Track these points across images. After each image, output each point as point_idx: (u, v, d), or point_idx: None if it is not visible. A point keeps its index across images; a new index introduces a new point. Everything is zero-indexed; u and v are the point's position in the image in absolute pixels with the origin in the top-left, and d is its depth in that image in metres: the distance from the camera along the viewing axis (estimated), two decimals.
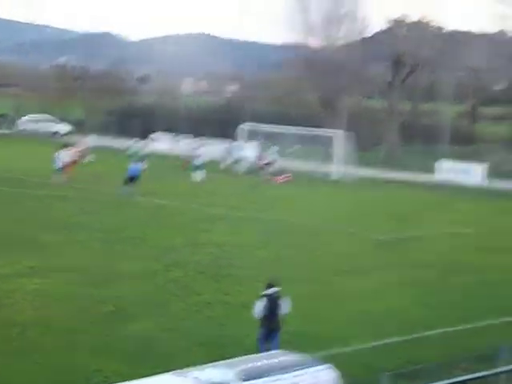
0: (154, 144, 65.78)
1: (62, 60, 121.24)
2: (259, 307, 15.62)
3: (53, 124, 76.26)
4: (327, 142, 54.39)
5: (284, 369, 11.39)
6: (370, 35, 75.86)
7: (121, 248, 26.05)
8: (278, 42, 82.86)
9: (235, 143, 58.45)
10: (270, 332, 15.60)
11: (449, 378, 14.26)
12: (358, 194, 45.35)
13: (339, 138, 53.82)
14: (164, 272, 23.13)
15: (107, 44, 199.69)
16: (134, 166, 38.95)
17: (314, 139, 54.15)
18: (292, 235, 30.30)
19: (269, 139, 56.14)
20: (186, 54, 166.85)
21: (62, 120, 77.55)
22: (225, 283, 22.25)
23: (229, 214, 34.83)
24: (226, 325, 18.29)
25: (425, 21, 72.15)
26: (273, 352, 13.22)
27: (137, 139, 58.04)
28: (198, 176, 46.89)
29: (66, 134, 72.67)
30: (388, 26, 76.63)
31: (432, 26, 76.09)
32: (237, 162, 53.86)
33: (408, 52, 68.43)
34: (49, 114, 79.47)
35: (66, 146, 44.16)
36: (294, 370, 11.42)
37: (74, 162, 45.53)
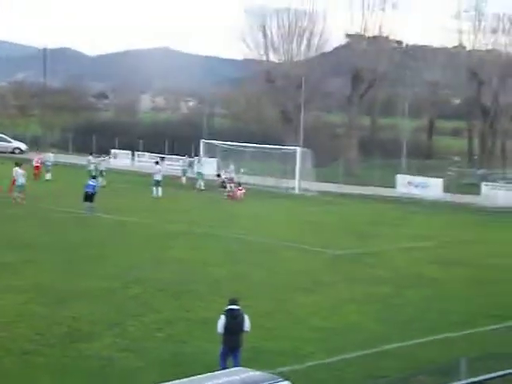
0: (112, 160, 65.67)
1: (19, 76, 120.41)
2: (221, 323, 15.61)
3: (8, 143, 75.44)
4: (286, 157, 54.62)
5: None
6: (329, 50, 76.50)
7: (80, 267, 25.84)
8: (239, 57, 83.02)
9: (194, 159, 58.56)
10: (231, 349, 15.58)
11: None
12: (316, 210, 45.58)
13: (298, 154, 54.08)
14: (123, 290, 23.01)
15: (66, 59, 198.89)
16: (91, 183, 38.68)
17: (273, 155, 54.43)
18: (251, 252, 30.32)
19: (227, 155, 56.32)
20: (145, 69, 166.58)
21: (16, 138, 76.79)
22: (185, 300, 22.20)
23: (189, 230, 34.85)
24: (187, 342, 18.25)
25: (384, 35, 72.81)
26: (233, 369, 13.21)
27: (95, 155, 57.82)
28: (158, 192, 46.81)
29: (22, 152, 72.14)
30: (347, 40, 77.32)
31: (391, 41, 76.91)
32: (196, 178, 53.85)
33: (367, 67, 69.11)
34: (6, 131, 78.67)
35: (18, 164, 43.03)
36: None
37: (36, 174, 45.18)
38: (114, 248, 29.71)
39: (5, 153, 70.83)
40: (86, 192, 37.96)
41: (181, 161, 59.50)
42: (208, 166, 56.60)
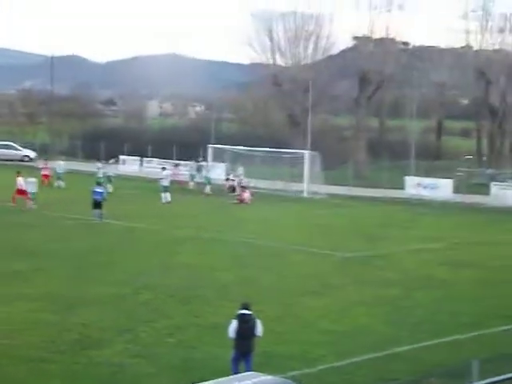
0: (121, 166, 65.86)
1: (27, 84, 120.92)
2: (232, 328, 15.59)
3: (17, 151, 75.77)
4: (295, 161, 54.66)
5: None
6: (336, 53, 76.46)
7: (90, 273, 25.91)
8: (245, 61, 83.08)
9: (202, 164, 58.68)
10: (243, 354, 15.53)
11: None
12: (325, 212, 45.54)
13: (307, 157, 54.09)
14: (133, 296, 23.05)
15: (73, 67, 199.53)
16: (98, 190, 38.73)
17: (281, 159, 54.46)
18: (259, 256, 30.32)
19: (236, 160, 56.38)
20: (152, 75, 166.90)
21: (25, 146, 77.11)
22: (194, 305, 22.21)
23: (197, 235, 34.88)
24: (197, 347, 18.25)
25: (390, 37, 72.74)
26: (245, 374, 13.19)
27: (104, 162, 57.97)
28: (167, 197, 46.87)
29: (30, 160, 72.41)
30: (354, 43, 77.22)
31: (398, 42, 76.80)
32: (204, 182, 53.93)
33: (374, 69, 69.02)
34: (15, 139, 79.02)
35: (19, 172, 43.65)
36: None
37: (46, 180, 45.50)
38: (122, 254, 29.78)
39: (14, 161, 71.03)
40: (95, 199, 38.03)
41: (188, 166, 59.58)
42: (216, 171, 56.69)
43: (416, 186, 54.88)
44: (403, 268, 28.98)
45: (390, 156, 64.71)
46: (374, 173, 63.05)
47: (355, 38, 75.75)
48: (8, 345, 17.99)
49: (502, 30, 72.16)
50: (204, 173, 55.96)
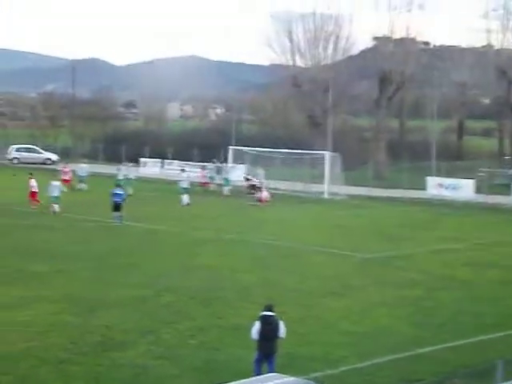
0: (142, 169, 66.10)
1: (49, 87, 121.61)
2: (256, 329, 15.56)
3: (39, 154, 76.35)
4: (315, 162, 54.60)
5: None
6: (356, 53, 76.31)
7: (110, 276, 25.98)
8: (265, 62, 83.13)
9: (222, 165, 58.75)
10: (266, 355, 15.49)
11: None
12: (346, 213, 45.46)
13: (327, 158, 54.01)
14: (155, 298, 23.09)
15: (95, 70, 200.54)
16: (118, 192, 38.84)
17: (302, 160, 54.40)
18: (279, 258, 30.31)
19: (256, 161, 56.38)
20: (172, 78, 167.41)
21: (47, 149, 77.66)
22: (216, 307, 22.22)
23: (217, 236, 34.90)
24: (219, 349, 18.25)
25: (411, 37, 72.46)
26: (268, 375, 13.17)
27: (125, 165, 58.17)
28: (187, 199, 46.93)
29: (53, 163, 72.87)
30: (374, 43, 77.03)
31: (418, 42, 76.50)
32: (224, 184, 54.01)
33: (394, 69, 68.79)
34: (36, 142, 79.60)
35: (31, 174, 44.32)
36: None
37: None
38: (143, 256, 29.84)
39: (36, 164, 71.46)
40: (115, 202, 38.15)
41: (208, 168, 59.62)
42: (236, 172, 56.73)
43: (437, 187, 54.64)
44: (425, 268, 28.85)
45: (410, 157, 64.44)
46: (395, 173, 62.83)
47: (375, 38, 75.61)
48: (34, 347, 18.06)
49: None
50: (223, 174, 56.04)
